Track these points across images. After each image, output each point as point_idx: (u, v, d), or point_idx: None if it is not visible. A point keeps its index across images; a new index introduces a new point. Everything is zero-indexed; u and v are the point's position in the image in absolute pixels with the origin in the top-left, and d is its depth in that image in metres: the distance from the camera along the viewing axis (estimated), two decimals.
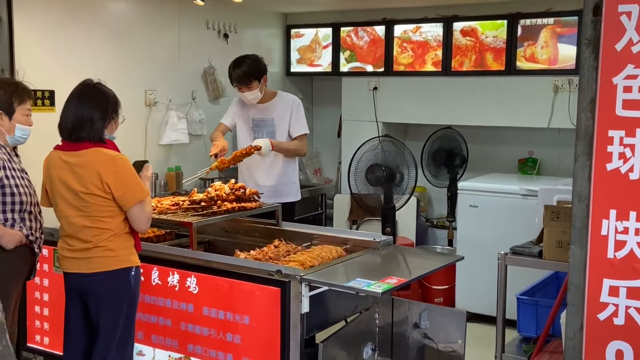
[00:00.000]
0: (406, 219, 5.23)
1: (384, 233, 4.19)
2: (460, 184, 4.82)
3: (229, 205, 3.43)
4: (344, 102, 5.78)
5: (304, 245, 3.43)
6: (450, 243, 5.43)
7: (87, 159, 2.72)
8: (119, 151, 2.83)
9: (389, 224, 4.26)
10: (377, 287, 2.71)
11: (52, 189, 2.81)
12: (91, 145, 2.74)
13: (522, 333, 3.64)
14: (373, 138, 4.35)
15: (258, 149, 3.96)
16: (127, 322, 2.84)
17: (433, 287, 4.92)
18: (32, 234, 3.05)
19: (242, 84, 4.13)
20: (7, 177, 2.96)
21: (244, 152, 3.96)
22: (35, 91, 3.84)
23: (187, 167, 4.98)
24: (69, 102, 2.79)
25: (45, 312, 3.66)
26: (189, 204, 3.46)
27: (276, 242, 3.39)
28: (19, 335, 3.73)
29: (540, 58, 4.96)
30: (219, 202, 3.44)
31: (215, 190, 3.48)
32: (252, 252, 3.23)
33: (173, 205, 3.49)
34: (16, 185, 2.99)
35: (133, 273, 2.83)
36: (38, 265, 3.23)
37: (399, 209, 4.33)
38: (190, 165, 4.89)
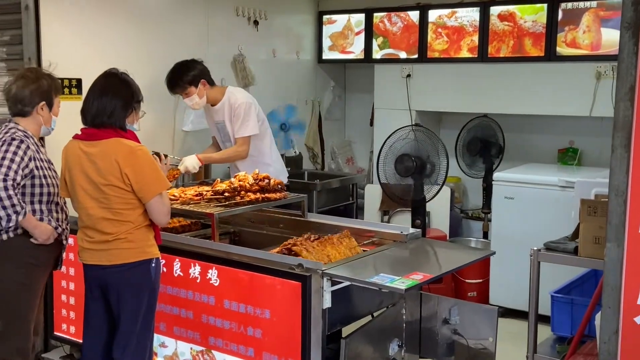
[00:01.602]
0: (439, 210, 5.15)
1: (413, 225, 4.12)
2: (495, 175, 4.71)
3: (252, 196, 3.40)
4: (376, 90, 5.72)
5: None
6: (486, 235, 5.31)
7: (106, 149, 2.71)
8: (139, 141, 2.81)
9: (419, 216, 4.17)
10: (401, 283, 2.65)
11: (71, 180, 2.81)
12: (112, 134, 2.73)
13: (556, 332, 3.52)
14: (403, 127, 4.26)
15: (176, 176, 3.91)
16: (147, 314, 2.84)
17: (466, 280, 4.82)
18: (59, 226, 3.07)
19: (172, 91, 4.13)
20: (37, 168, 2.99)
21: (173, 176, 3.88)
22: (62, 79, 3.86)
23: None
24: (93, 89, 2.80)
25: (72, 301, 3.70)
26: (212, 195, 3.44)
27: (306, 235, 3.31)
28: (46, 324, 3.79)
29: (582, 43, 4.78)
30: (242, 192, 3.42)
31: (239, 181, 3.46)
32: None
33: (196, 195, 3.47)
34: (44, 177, 3.02)
35: (153, 264, 2.82)
36: (64, 255, 3.26)
37: (429, 201, 4.24)
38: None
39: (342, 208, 5.42)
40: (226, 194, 3.42)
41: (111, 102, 2.73)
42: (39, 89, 3.06)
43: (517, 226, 4.52)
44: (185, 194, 3.51)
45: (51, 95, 3.11)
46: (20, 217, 2.86)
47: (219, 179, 3.68)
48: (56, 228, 3.06)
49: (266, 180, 3.50)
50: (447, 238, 5.02)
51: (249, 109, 4.15)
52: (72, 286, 3.68)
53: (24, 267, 3.01)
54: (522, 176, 4.57)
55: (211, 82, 4.19)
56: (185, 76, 4.07)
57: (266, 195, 3.46)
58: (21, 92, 3.04)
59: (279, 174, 4.16)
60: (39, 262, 3.07)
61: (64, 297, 3.74)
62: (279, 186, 3.55)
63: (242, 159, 4.21)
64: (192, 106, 4.18)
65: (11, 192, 2.83)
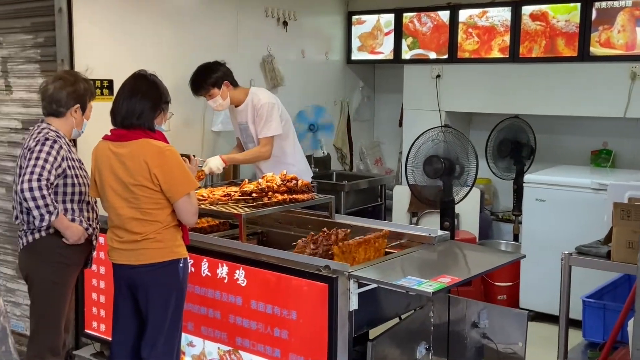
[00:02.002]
0: (469, 212, 5.10)
1: (442, 227, 4.08)
2: (526, 177, 4.64)
3: (280, 197, 3.41)
4: (405, 91, 5.68)
5: (356, 239, 3.32)
6: (516, 238, 5.25)
7: (135, 150, 2.74)
8: (167, 142, 2.83)
9: (448, 218, 4.13)
10: (429, 286, 2.63)
11: (100, 180, 2.85)
12: (140, 135, 2.75)
13: (588, 338, 3.46)
14: (432, 128, 4.22)
15: (201, 177, 3.94)
16: (175, 313, 2.86)
17: (496, 284, 4.76)
18: (90, 225, 3.12)
19: (196, 93, 4.16)
20: (69, 168, 3.04)
21: (199, 177, 3.88)
22: (93, 81, 3.92)
23: None
24: (122, 91, 2.84)
25: (102, 299, 3.75)
26: (240, 195, 3.45)
27: (341, 234, 3.29)
28: (77, 321, 3.85)
29: (616, 43, 4.69)
30: (270, 193, 3.42)
31: (267, 182, 3.47)
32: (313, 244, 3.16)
33: (224, 195, 3.49)
34: (76, 176, 3.07)
35: (181, 265, 2.84)
36: (95, 254, 3.31)
37: (458, 202, 4.20)
38: None
39: (370, 209, 5.41)
40: (254, 195, 3.43)
41: (140, 104, 2.76)
42: (75, 92, 3.12)
43: (548, 229, 4.45)
44: (214, 195, 3.53)
45: (86, 99, 3.17)
46: (52, 217, 2.91)
47: (246, 180, 3.69)
48: (87, 228, 3.10)
49: (294, 181, 3.50)
50: (477, 240, 4.96)
51: (271, 109, 4.16)
52: (102, 284, 3.73)
53: (55, 266, 3.06)
54: (554, 178, 4.49)
55: (234, 84, 4.21)
56: (208, 78, 4.10)
57: (294, 196, 3.46)
58: (58, 93, 3.10)
59: (303, 174, 4.16)
60: (69, 261, 3.11)
61: (94, 296, 3.79)
62: (307, 187, 3.54)
63: (266, 159, 4.22)
64: (215, 108, 4.22)
65: (45, 192, 2.87)
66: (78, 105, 3.13)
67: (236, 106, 4.26)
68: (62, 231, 3.02)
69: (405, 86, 5.66)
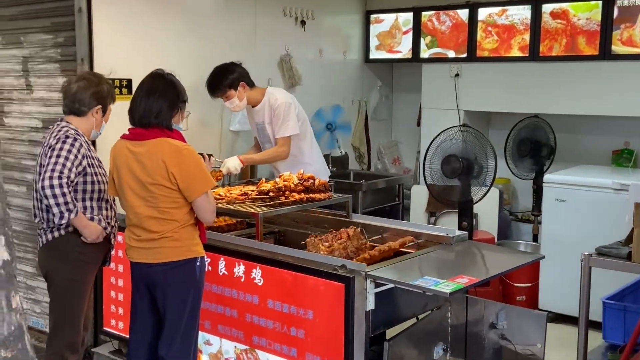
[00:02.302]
0: (487, 212, 5.06)
1: (460, 227, 4.06)
2: (546, 177, 4.60)
3: (297, 196, 3.41)
4: (424, 90, 5.67)
5: (374, 238, 3.37)
6: (536, 238, 5.21)
7: (153, 149, 2.75)
8: (185, 141, 2.85)
9: (466, 218, 4.11)
10: (446, 286, 2.61)
11: (119, 179, 2.87)
12: (158, 134, 2.77)
13: (608, 340, 3.41)
14: (451, 127, 4.20)
15: (219, 178, 3.94)
16: (192, 312, 2.87)
17: (515, 284, 4.73)
18: (108, 224, 3.14)
19: (213, 95, 4.17)
20: (89, 166, 3.07)
21: (216, 178, 3.91)
22: (112, 80, 3.95)
23: None
24: (140, 90, 2.86)
25: (120, 297, 3.78)
26: (257, 194, 3.46)
27: (351, 232, 3.31)
28: (95, 319, 3.88)
29: (639, 42, 4.62)
30: (287, 192, 3.43)
31: (284, 181, 3.47)
32: (325, 242, 3.17)
33: (241, 195, 3.50)
34: (96, 174, 3.10)
35: (198, 263, 2.85)
36: (113, 252, 3.33)
37: (476, 202, 4.17)
38: None
39: (388, 209, 5.40)
40: (271, 194, 3.43)
41: (158, 103, 2.78)
42: (99, 93, 3.16)
43: (568, 229, 4.40)
44: (231, 194, 3.54)
45: (107, 102, 3.21)
46: (72, 216, 2.93)
47: (264, 179, 3.70)
48: (105, 228, 3.12)
49: (311, 181, 3.50)
50: (495, 241, 4.92)
51: (288, 109, 4.16)
52: (120, 283, 3.76)
53: (74, 264, 3.09)
54: (574, 178, 4.45)
55: (251, 84, 4.22)
56: (224, 80, 4.12)
57: (311, 195, 3.46)
58: (82, 93, 3.13)
59: (320, 173, 4.17)
60: (88, 259, 3.14)
61: (112, 294, 3.82)
62: (324, 186, 3.54)
63: (283, 159, 4.22)
64: (232, 109, 4.24)
65: (65, 189, 2.90)
66: (100, 106, 3.16)
67: (253, 106, 4.28)
68: (81, 230, 3.05)
69: (423, 85, 5.65)
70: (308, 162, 4.27)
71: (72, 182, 2.96)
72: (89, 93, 3.13)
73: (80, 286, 3.13)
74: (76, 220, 2.99)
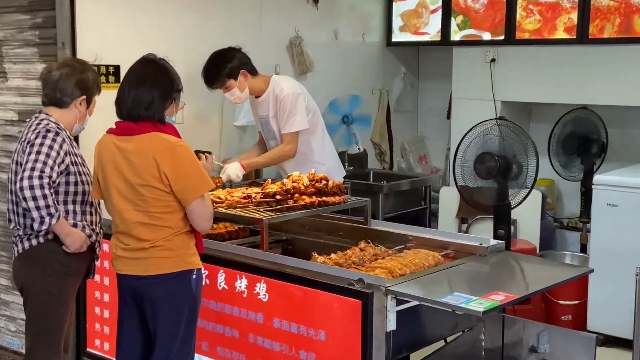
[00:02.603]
0: (528, 218, 5.05)
1: (496, 236, 4.04)
2: (596, 178, 4.57)
3: (307, 200, 3.42)
4: (455, 77, 5.67)
5: (396, 248, 3.38)
6: (584, 249, 5.18)
7: (143, 145, 2.76)
8: (179, 137, 2.85)
9: (503, 225, 4.07)
10: (479, 304, 2.61)
11: (104, 179, 2.88)
12: (149, 128, 2.78)
13: None
14: (485, 121, 4.18)
15: (218, 184, 3.91)
16: (187, 331, 2.87)
17: (559, 302, 4.71)
18: (93, 230, 3.16)
19: (210, 86, 4.17)
20: (72, 164, 3.08)
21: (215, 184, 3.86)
22: (98, 66, 3.97)
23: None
24: (129, 78, 2.87)
25: (106, 314, 3.80)
26: (261, 197, 3.47)
27: (362, 245, 3.33)
28: (77, 339, 3.90)
29: None
30: (296, 195, 3.43)
31: (293, 182, 3.48)
32: (332, 255, 3.19)
33: (244, 198, 3.52)
34: (79, 173, 3.11)
35: (194, 276, 2.86)
36: (98, 262, 3.35)
37: (515, 207, 4.15)
38: None
39: (413, 214, 5.40)
40: (278, 197, 3.44)
41: (149, 92, 2.78)
42: (83, 82, 3.17)
43: (621, 238, 4.37)
44: (232, 197, 3.55)
45: (92, 92, 3.22)
46: (53, 221, 2.94)
47: (269, 180, 3.71)
48: (89, 235, 3.14)
49: (323, 182, 3.51)
50: (537, 251, 4.91)
51: (295, 101, 4.16)
52: (106, 298, 3.78)
53: (54, 276, 3.10)
54: (629, 179, 4.42)
55: (253, 71, 4.23)
56: (223, 69, 4.12)
57: (323, 198, 3.47)
58: (65, 81, 3.15)
59: (334, 173, 4.17)
60: (70, 270, 3.15)
61: (97, 310, 3.84)
62: (338, 188, 3.55)
63: (290, 158, 4.23)
64: (233, 101, 4.26)
65: (47, 191, 2.91)
66: (84, 97, 3.18)
67: (257, 97, 4.29)
68: (62, 238, 3.06)
69: (454, 72, 5.64)
70: (319, 161, 4.28)
71: (53, 182, 2.98)
72: (72, 81, 3.15)
73: (60, 301, 3.14)
74: (58, 227, 3.00)
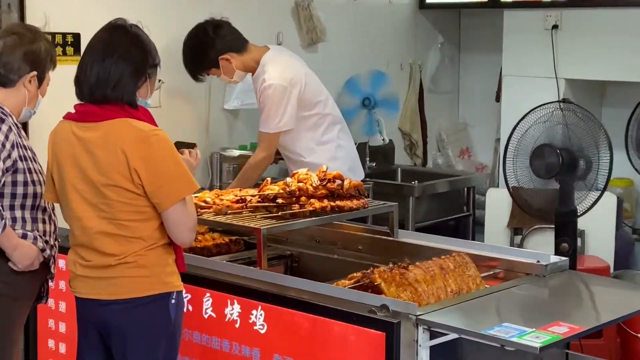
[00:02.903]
0: (599, 228, 5.07)
1: (557, 251, 4.04)
2: None
3: (317, 204, 3.41)
4: (506, 49, 5.68)
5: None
6: None
7: (109, 134, 2.76)
8: (155, 124, 2.85)
9: (567, 238, 4.08)
10: (535, 337, 2.60)
11: (60, 178, 2.88)
12: (117, 113, 2.78)
13: None
14: (545, 104, 4.18)
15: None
16: None
17: (639, 335, 4.69)
18: (46, 243, 3.17)
19: (197, 80, 4.45)
20: (21, 159, 3.08)
21: None
22: (53, 35, 3.99)
23: None
24: (92, 49, 2.87)
25: (62, 348, 3.81)
26: (259, 201, 3.47)
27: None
28: None
29: None
30: (303, 198, 3.43)
31: (298, 182, 3.47)
32: (356, 274, 3.17)
33: (237, 201, 3.51)
34: (29, 171, 3.11)
35: (173, 301, 2.86)
36: (52, 283, 3.36)
37: (582, 214, 4.15)
38: None
39: (452, 223, 5.45)
40: (279, 201, 3.43)
41: (117, 67, 2.78)
42: (33, 54, 3.16)
43: None
44: (222, 200, 3.55)
45: (45, 67, 3.21)
46: None
47: (269, 179, 3.71)
48: (43, 250, 3.14)
49: (338, 182, 3.50)
50: (610, 271, 4.90)
51: (280, 98, 4.24)
52: (62, 327, 3.79)
53: None
54: None
55: (240, 48, 4.34)
56: (200, 64, 4.33)
57: (337, 203, 3.46)
58: (9, 54, 3.14)
59: (351, 171, 4.18)
60: (17, 294, 3.16)
61: (51, 343, 3.85)
62: (357, 190, 3.54)
63: (267, 166, 4.36)
64: (229, 83, 4.45)
65: None
66: (35, 73, 3.17)
67: (252, 73, 4.40)
68: (9, 252, 3.05)
69: (505, 42, 5.65)
70: (332, 157, 4.28)
71: None
72: (19, 54, 3.15)
73: (5, 332, 3.15)
74: (3, 238, 3.00)
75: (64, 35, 4.15)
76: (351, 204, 3.50)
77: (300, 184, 3.47)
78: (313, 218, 3.43)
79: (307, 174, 3.54)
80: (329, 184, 3.49)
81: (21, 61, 3.15)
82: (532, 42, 5.50)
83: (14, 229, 3.07)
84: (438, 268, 3.14)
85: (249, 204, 3.50)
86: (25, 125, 3.75)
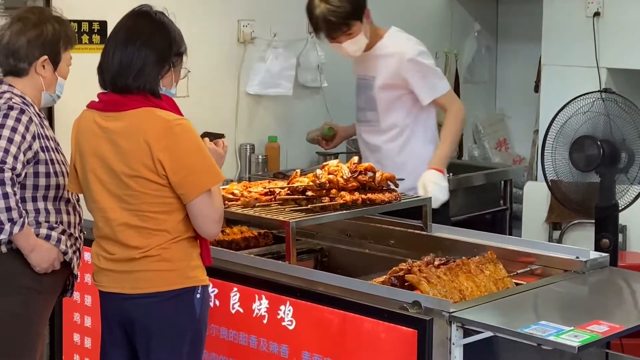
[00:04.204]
0: None
1: (598, 247, 4.00)
2: None
3: (348, 197, 3.40)
4: (545, 38, 5.60)
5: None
6: None
7: (132, 124, 2.77)
8: (180, 113, 2.85)
9: (608, 233, 4.04)
10: (573, 337, 2.57)
11: (83, 168, 2.89)
12: (140, 102, 2.78)
13: None
14: (586, 94, 4.13)
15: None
16: None
17: None
18: (70, 236, 3.16)
19: (335, 30, 4.04)
20: (42, 150, 3.08)
21: None
22: (79, 22, 3.99)
23: (295, 135, 5.06)
24: (115, 37, 2.87)
25: (87, 343, 3.84)
26: (288, 193, 3.47)
27: (428, 258, 3.28)
28: None
29: None
30: (333, 191, 3.42)
31: (329, 174, 3.46)
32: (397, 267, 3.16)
33: (265, 194, 3.52)
34: (52, 162, 3.12)
35: (199, 295, 2.86)
36: (78, 275, 3.37)
37: (624, 209, 4.10)
38: (301, 134, 4.92)
39: (488, 217, 5.42)
40: (309, 193, 3.43)
41: (139, 55, 2.78)
42: (40, 38, 3.14)
43: None
44: (250, 192, 3.55)
45: (58, 47, 3.18)
46: (15, 229, 2.94)
47: (298, 171, 3.70)
48: (65, 253, 3.13)
49: (370, 174, 3.49)
50: None
51: (433, 61, 4.29)
52: (88, 322, 3.81)
53: (20, 293, 3.11)
54: None
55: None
56: (355, 6, 4.04)
57: (369, 195, 3.44)
58: (15, 41, 3.14)
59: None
60: (41, 287, 3.17)
61: (76, 338, 3.88)
62: (389, 183, 3.52)
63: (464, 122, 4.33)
64: (352, 52, 4.18)
65: (8, 189, 2.91)
66: (45, 57, 3.15)
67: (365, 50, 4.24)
68: (26, 253, 3.05)
69: (544, 31, 5.58)
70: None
71: (17, 176, 2.98)
72: (25, 39, 3.13)
73: (28, 325, 3.16)
74: (21, 237, 3.00)
75: (90, 22, 4.16)
76: (383, 197, 3.49)
77: (331, 176, 3.46)
78: (344, 211, 3.42)
79: (337, 166, 3.53)
80: (360, 176, 3.48)
81: (27, 47, 3.14)
82: (573, 30, 5.43)
83: (38, 220, 3.08)
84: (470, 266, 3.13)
85: (277, 197, 3.50)
86: (50, 115, 3.77)
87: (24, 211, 2.99)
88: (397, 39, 4.25)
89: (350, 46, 4.10)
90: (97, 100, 2.89)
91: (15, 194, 2.93)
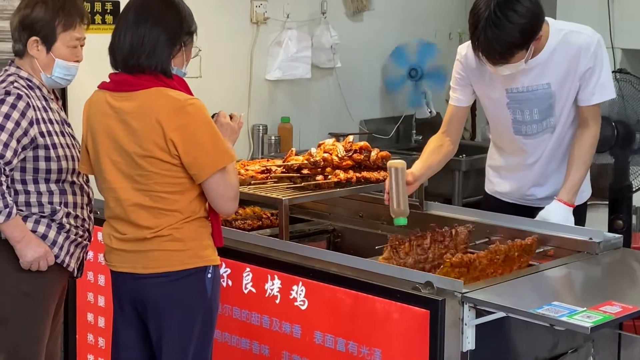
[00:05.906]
0: None
1: (611, 228, 4.00)
2: None
3: (342, 175, 3.43)
4: (559, 17, 5.49)
5: (479, 242, 3.36)
6: None
7: (144, 104, 2.76)
8: (191, 93, 2.85)
9: (621, 214, 4.04)
10: (586, 317, 2.56)
11: (95, 148, 2.89)
12: (152, 82, 2.78)
13: None
14: None
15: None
16: (200, 347, 2.90)
17: None
18: (77, 217, 3.17)
19: (500, 59, 3.29)
20: (42, 135, 3.07)
21: None
22: (92, 2, 3.98)
23: (308, 116, 5.05)
24: (126, 16, 2.87)
25: (101, 322, 3.84)
26: (283, 171, 3.50)
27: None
28: (66, 355, 3.95)
29: None
30: (327, 169, 3.44)
31: (324, 152, 3.48)
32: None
33: (262, 172, 3.56)
34: (54, 146, 3.10)
35: (210, 275, 2.87)
36: (91, 255, 3.36)
37: (638, 190, 4.09)
38: (314, 115, 4.91)
39: None
40: (304, 171, 3.45)
41: (150, 34, 2.77)
42: (27, 18, 3.10)
43: None
44: (247, 170, 3.59)
45: (51, 26, 3.12)
46: (0, 219, 2.93)
47: (293, 150, 3.73)
48: (57, 256, 3.11)
49: (365, 152, 3.51)
50: None
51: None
52: (101, 301, 3.82)
53: (28, 270, 3.10)
54: None
55: None
56: (535, 29, 3.27)
57: (363, 174, 3.47)
58: (12, 21, 3.15)
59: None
60: (51, 265, 3.17)
61: (90, 317, 3.89)
62: (384, 161, 3.51)
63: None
64: (506, 73, 3.41)
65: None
66: (35, 38, 3.11)
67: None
68: (13, 243, 3.02)
69: (558, 9, 5.59)
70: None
71: (7, 164, 2.95)
72: (16, 22, 3.13)
73: (37, 304, 3.16)
74: (8, 227, 2.98)
75: (103, 3, 4.15)
76: (378, 175, 3.51)
77: (326, 155, 3.49)
78: (337, 189, 3.44)
79: (333, 145, 3.57)
80: (355, 155, 3.52)
81: (17, 29, 3.13)
82: (587, 10, 5.44)
83: (41, 201, 3.08)
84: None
85: (273, 175, 3.54)
86: (64, 96, 3.75)
87: (11, 201, 2.97)
88: (560, 30, 3.47)
89: (504, 70, 3.38)
90: (108, 80, 2.88)
91: (1, 184, 2.93)
